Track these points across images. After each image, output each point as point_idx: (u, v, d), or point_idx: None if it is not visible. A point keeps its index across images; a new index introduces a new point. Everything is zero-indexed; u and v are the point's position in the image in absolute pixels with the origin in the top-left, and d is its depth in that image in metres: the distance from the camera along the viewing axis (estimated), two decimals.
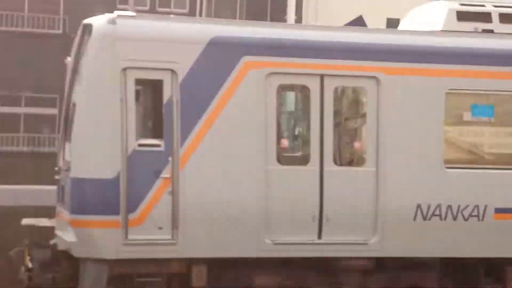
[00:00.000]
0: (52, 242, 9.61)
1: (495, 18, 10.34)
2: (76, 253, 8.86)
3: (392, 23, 29.62)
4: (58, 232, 9.38)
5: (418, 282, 9.76)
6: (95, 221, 8.69)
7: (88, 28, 8.96)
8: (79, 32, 9.29)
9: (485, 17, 10.34)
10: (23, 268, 9.72)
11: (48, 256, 9.57)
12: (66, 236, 8.96)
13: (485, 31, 10.20)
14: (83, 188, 8.70)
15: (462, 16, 10.18)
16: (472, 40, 9.95)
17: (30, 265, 9.70)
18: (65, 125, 9.48)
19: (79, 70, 9.05)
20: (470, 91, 9.75)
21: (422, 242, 9.52)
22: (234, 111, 8.98)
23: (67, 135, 9.29)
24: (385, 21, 28.95)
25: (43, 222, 10.21)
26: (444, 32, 9.99)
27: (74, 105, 9.16)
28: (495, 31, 10.24)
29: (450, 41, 9.80)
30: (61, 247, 9.17)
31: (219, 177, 8.94)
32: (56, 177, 9.62)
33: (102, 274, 8.84)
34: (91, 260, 8.83)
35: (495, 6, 10.52)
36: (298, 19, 25.71)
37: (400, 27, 11.31)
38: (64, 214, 9.13)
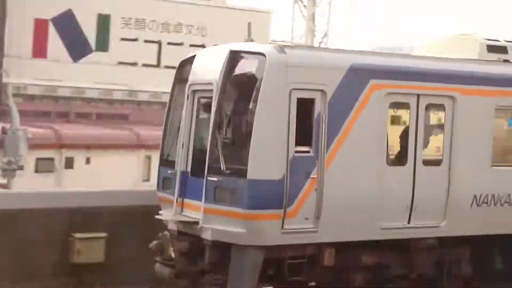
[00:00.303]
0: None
1: (510, 50, 13.59)
2: (242, 241, 10.65)
3: (103, 19, 33.50)
4: (209, 225, 10.80)
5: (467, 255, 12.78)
6: (265, 215, 10.52)
7: (253, 55, 10.83)
8: (226, 57, 10.88)
9: (503, 49, 13.53)
10: (166, 258, 11.24)
11: (187, 247, 11.18)
12: (230, 228, 10.65)
13: (505, 60, 13.41)
14: (258, 187, 10.41)
15: (491, 49, 13.25)
16: (503, 68, 13.06)
17: (173, 255, 11.21)
18: (214, 137, 10.82)
19: (230, 88, 10.91)
20: (509, 107, 12.90)
21: (476, 223, 12.50)
22: (363, 123, 11.27)
23: (223, 144, 10.86)
24: (96, 16, 32.53)
25: (182, 217, 11.33)
26: (492, 61, 13.00)
27: (227, 116, 10.84)
28: (510, 60, 13.50)
29: (495, 69, 12.80)
30: (215, 237, 10.76)
31: (350, 176, 11.19)
32: (212, 178, 10.76)
33: (260, 258, 10.70)
34: (252, 247, 10.63)
35: (507, 41, 13.77)
36: None
37: (414, 53, 13.77)
38: (232, 209, 10.62)
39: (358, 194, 11.20)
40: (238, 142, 10.82)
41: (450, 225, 12.13)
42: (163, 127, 12.33)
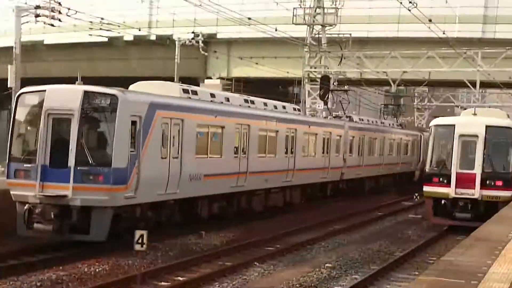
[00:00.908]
0: None
1: (199, 93, 21.83)
2: (104, 204, 16.41)
3: None
4: (77, 197, 16.18)
5: None
6: (118, 188, 16.57)
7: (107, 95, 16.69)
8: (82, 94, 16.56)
9: (194, 92, 21.39)
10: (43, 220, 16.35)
11: (58, 211, 16.48)
12: (96, 197, 16.28)
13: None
14: (116, 172, 16.50)
15: (185, 91, 20.85)
16: (199, 103, 20.87)
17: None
18: (80, 143, 16.60)
19: (89, 113, 16.77)
20: (204, 124, 20.43)
21: (192, 190, 19.69)
22: (155, 133, 17.87)
23: None
24: None
25: (50, 193, 16.45)
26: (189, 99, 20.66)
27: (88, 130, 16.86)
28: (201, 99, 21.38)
29: (194, 102, 20.46)
30: (83, 203, 16.32)
31: (152, 164, 17.66)
32: (81, 168, 16.50)
33: (111, 213, 16.69)
34: (110, 207, 16.54)
35: (197, 87, 22.89)
36: None
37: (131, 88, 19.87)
38: (99, 186, 16.27)
39: (155, 174, 17.83)
40: (101, 145, 16.91)
41: (181, 191, 19.17)
42: (9, 136, 17.05)
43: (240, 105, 23.27)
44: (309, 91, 36.70)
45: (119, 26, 33.45)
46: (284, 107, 27.44)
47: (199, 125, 19.96)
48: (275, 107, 26.25)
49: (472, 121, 23.34)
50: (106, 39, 38.53)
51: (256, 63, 40.58)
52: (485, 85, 41.40)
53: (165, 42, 40.25)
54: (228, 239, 19.84)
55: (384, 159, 38.91)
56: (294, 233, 21.60)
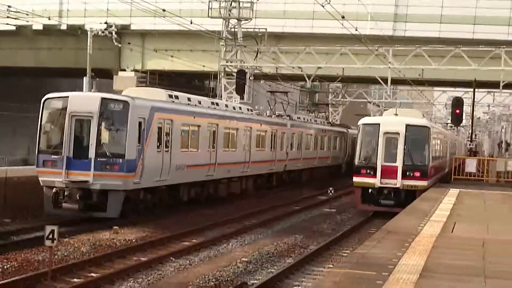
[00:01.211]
0: None
1: (180, 98, 25.41)
2: (118, 188, 20.49)
3: None
4: (96, 182, 20.45)
5: None
6: (129, 175, 20.75)
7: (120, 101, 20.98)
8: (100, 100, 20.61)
9: (177, 97, 25.27)
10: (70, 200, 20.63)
11: (82, 193, 20.73)
12: (112, 182, 20.47)
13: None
14: (128, 163, 20.58)
15: (169, 96, 24.79)
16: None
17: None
18: (99, 139, 20.82)
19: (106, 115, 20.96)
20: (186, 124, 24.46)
21: (177, 177, 23.72)
22: (154, 131, 21.79)
23: None
24: None
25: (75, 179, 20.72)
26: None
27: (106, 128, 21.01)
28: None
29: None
30: (102, 187, 20.54)
31: (152, 157, 21.79)
32: (100, 159, 20.70)
33: (123, 196, 20.83)
34: (122, 190, 20.60)
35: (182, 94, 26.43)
36: None
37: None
38: (115, 173, 20.45)
39: (154, 164, 21.86)
40: (116, 141, 21.00)
41: (171, 179, 23.37)
42: (38, 134, 20.97)
43: (208, 107, 27.19)
44: (225, 85, 36.65)
45: (27, 14, 32.29)
46: (240, 108, 31.33)
47: (183, 124, 23.89)
48: (234, 108, 30.50)
49: (394, 120, 26.71)
50: (13, 28, 37.10)
51: (172, 56, 40.16)
52: (396, 81, 42.63)
53: (77, 32, 39.18)
54: (144, 235, 19.56)
55: (318, 153, 42.66)
56: (212, 227, 21.56)
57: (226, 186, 28.82)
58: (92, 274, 14.50)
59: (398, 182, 25.72)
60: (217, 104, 28.62)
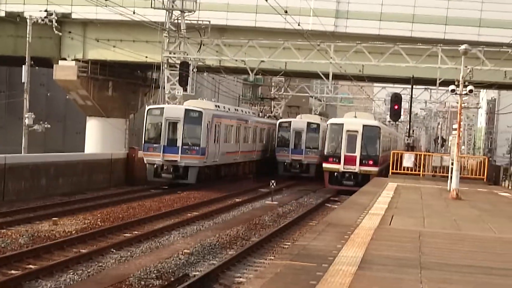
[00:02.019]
0: None
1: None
2: (197, 164, 32.14)
3: None
4: (182, 160, 31.96)
5: None
6: (202, 157, 32.51)
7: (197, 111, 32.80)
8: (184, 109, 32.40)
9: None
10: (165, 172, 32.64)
11: (174, 168, 32.37)
12: (193, 161, 32.11)
13: None
14: (203, 149, 32.31)
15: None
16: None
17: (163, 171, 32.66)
18: (185, 136, 32.31)
19: (188, 120, 32.66)
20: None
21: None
22: (212, 130, 33.88)
23: None
24: None
25: (169, 158, 32.34)
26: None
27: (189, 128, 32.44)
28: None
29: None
30: (186, 164, 32.05)
31: (214, 146, 34.30)
32: (184, 147, 32.25)
33: (198, 169, 32.43)
34: (199, 166, 32.50)
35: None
36: None
37: None
38: (195, 155, 32.10)
39: (212, 151, 33.69)
40: (195, 136, 32.15)
41: (219, 161, 35.85)
42: (144, 131, 32.56)
43: (233, 111, 40.17)
44: (168, 77, 36.44)
45: None
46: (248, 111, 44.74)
47: (225, 125, 35.93)
48: (247, 112, 44.26)
49: (354, 121, 35.45)
50: None
51: (114, 46, 39.62)
52: (337, 77, 43.19)
53: (15, 19, 38.22)
54: (84, 226, 19.34)
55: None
56: (154, 218, 21.47)
57: (242, 168, 41.54)
58: (31, 266, 14.28)
59: (356, 167, 33.96)
60: (235, 109, 41.29)
